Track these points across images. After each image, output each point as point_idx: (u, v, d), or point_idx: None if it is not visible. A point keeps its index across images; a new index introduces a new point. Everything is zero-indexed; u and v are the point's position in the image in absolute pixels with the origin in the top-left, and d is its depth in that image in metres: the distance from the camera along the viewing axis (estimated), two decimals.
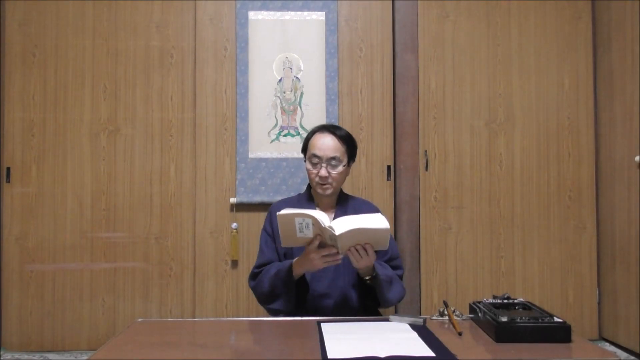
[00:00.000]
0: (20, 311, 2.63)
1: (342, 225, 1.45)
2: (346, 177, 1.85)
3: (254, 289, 1.77)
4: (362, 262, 1.54)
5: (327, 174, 1.75)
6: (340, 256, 1.52)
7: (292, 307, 1.70)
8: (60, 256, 2.65)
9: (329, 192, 1.78)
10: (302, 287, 1.72)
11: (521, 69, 2.78)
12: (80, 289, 2.65)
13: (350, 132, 1.88)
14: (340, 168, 1.78)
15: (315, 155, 1.77)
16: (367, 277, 1.69)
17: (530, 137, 2.77)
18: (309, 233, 1.49)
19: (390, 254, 1.81)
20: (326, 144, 1.77)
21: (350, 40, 2.75)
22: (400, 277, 1.79)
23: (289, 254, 1.76)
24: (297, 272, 1.64)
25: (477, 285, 2.73)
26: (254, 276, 1.79)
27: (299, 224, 1.46)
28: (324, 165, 1.75)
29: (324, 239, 1.51)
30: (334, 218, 1.75)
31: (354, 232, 1.45)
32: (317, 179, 1.76)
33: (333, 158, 1.76)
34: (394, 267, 1.78)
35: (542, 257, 2.75)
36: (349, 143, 1.82)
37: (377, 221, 1.48)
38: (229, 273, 2.68)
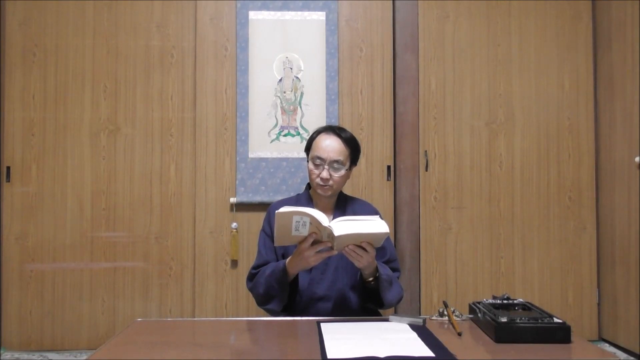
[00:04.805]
0: (20, 310, 2.63)
1: (342, 227, 1.44)
2: (347, 179, 1.85)
3: (251, 289, 1.77)
4: (364, 260, 1.53)
5: (328, 176, 1.74)
6: (335, 252, 1.52)
7: (288, 308, 1.69)
8: (60, 256, 2.65)
9: (328, 193, 1.77)
10: (294, 288, 1.72)
11: (521, 69, 2.78)
12: (80, 288, 2.65)
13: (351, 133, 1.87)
14: (343, 171, 1.77)
15: (318, 157, 1.76)
16: (370, 279, 1.68)
17: (530, 138, 2.77)
18: (305, 232, 1.49)
19: (389, 255, 1.80)
20: (331, 146, 1.76)
21: (351, 40, 2.75)
22: (397, 279, 1.78)
23: (287, 254, 1.75)
24: (292, 271, 1.63)
25: (477, 285, 2.73)
26: (251, 277, 1.78)
27: (296, 222, 1.46)
28: (326, 167, 1.74)
29: (319, 237, 1.50)
30: (333, 219, 1.74)
31: (353, 236, 1.45)
32: (318, 180, 1.76)
33: (336, 161, 1.75)
34: (392, 269, 1.78)
35: (542, 258, 2.75)
36: (353, 147, 1.81)
37: (376, 226, 1.48)
38: (228, 273, 2.68)
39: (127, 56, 2.71)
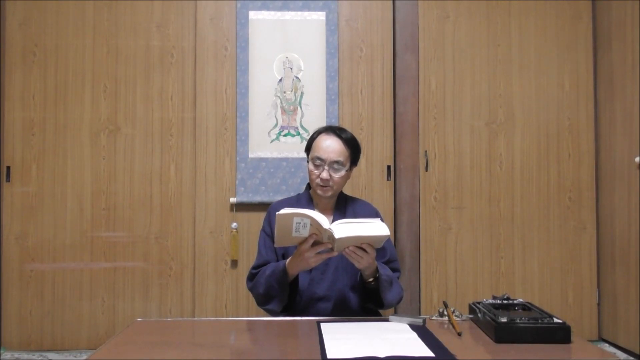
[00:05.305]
0: (20, 310, 2.63)
1: (343, 230, 1.44)
2: (347, 180, 1.84)
3: (251, 289, 1.77)
4: (364, 261, 1.53)
5: (328, 177, 1.74)
6: (335, 253, 1.52)
7: (287, 308, 1.69)
8: (60, 255, 2.65)
9: (329, 194, 1.77)
10: (294, 288, 1.72)
11: (521, 69, 2.78)
12: (80, 288, 2.65)
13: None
14: (343, 172, 1.77)
15: (318, 158, 1.76)
16: (371, 279, 1.68)
17: (530, 138, 2.77)
18: (305, 233, 1.49)
19: (389, 256, 1.80)
20: (331, 146, 1.76)
21: (351, 40, 2.75)
22: (397, 279, 1.78)
23: (287, 255, 1.75)
24: (292, 272, 1.63)
25: (477, 285, 2.73)
26: (251, 277, 1.78)
27: (297, 223, 1.46)
28: (326, 168, 1.74)
29: (319, 238, 1.51)
30: (333, 220, 1.75)
31: (354, 238, 1.46)
32: (318, 180, 1.76)
33: (336, 162, 1.75)
34: (392, 270, 1.78)
35: (542, 258, 2.75)
36: (353, 147, 1.81)
37: (377, 229, 1.48)
38: (228, 273, 2.68)
39: (127, 56, 2.71)
